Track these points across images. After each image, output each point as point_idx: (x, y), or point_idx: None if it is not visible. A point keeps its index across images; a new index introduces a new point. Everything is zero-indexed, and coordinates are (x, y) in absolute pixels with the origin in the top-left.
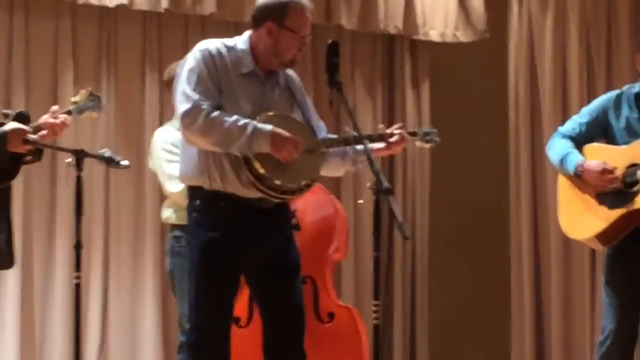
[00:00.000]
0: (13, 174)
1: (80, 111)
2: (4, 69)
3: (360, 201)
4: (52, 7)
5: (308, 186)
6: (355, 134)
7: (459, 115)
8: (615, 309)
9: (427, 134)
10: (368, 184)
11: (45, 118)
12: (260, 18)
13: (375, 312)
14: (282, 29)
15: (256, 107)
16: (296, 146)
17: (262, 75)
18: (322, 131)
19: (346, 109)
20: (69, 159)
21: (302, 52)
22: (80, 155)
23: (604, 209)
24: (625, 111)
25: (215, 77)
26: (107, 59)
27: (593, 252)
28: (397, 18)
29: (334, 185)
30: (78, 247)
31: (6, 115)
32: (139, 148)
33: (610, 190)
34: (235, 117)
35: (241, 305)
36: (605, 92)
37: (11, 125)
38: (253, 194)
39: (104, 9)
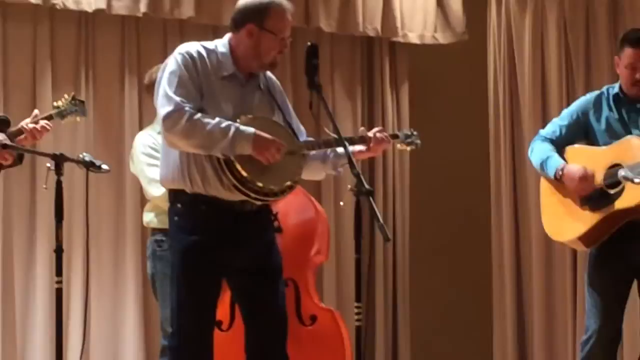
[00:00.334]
0: None
1: (63, 116)
2: None
3: (342, 203)
4: (30, 11)
5: (290, 188)
6: (335, 136)
7: (439, 117)
8: (598, 310)
9: (408, 136)
10: (349, 186)
11: (26, 122)
12: (241, 20)
13: (357, 314)
14: (263, 31)
15: (237, 110)
16: (278, 148)
17: (242, 78)
18: (302, 134)
19: (326, 111)
20: (49, 164)
21: (283, 54)
22: (60, 160)
23: (586, 211)
24: (605, 112)
25: (197, 80)
26: (86, 64)
27: (575, 253)
28: (375, 20)
29: (315, 188)
30: (59, 251)
31: None
32: (118, 152)
33: (591, 192)
34: (217, 119)
35: (223, 309)
36: (584, 92)
37: None
38: (235, 196)
39: (82, 14)
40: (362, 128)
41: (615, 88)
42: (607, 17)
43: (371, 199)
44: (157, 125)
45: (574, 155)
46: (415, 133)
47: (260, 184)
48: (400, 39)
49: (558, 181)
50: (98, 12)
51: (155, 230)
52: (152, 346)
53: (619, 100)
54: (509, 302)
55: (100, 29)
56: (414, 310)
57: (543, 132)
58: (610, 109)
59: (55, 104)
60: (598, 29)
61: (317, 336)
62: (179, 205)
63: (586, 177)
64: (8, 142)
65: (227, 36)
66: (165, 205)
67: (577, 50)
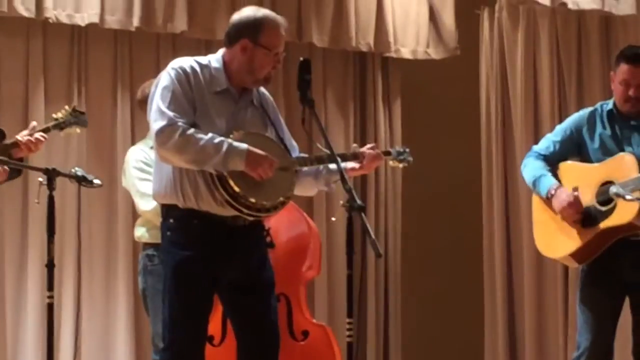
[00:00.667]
0: None
1: (61, 127)
2: None
3: (334, 219)
4: (23, 25)
5: (282, 204)
6: (327, 151)
7: (431, 133)
8: (590, 326)
9: (400, 153)
10: (341, 202)
11: (23, 134)
12: (235, 35)
13: (348, 329)
14: (257, 47)
15: (230, 125)
16: (271, 164)
17: (235, 93)
18: (295, 150)
19: (318, 126)
20: (41, 178)
21: (276, 69)
22: (52, 174)
23: (578, 228)
24: (599, 129)
25: (190, 95)
26: (79, 78)
27: (566, 269)
28: (368, 35)
29: (307, 203)
30: (50, 266)
31: None
32: (111, 167)
33: (583, 209)
34: (210, 135)
35: (215, 324)
36: (576, 108)
37: None
38: (227, 212)
39: (75, 28)
40: (354, 145)
41: (609, 104)
42: (599, 33)
43: (363, 214)
44: (149, 140)
45: (567, 172)
46: (407, 150)
47: (252, 200)
48: (393, 54)
49: (549, 200)
50: (91, 26)
51: (146, 245)
52: None
53: (613, 116)
54: (501, 316)
55: (93, 43)
56: (405, 326)
57: (536, 147)
58: (603, 126)
59: (54, 115)
60: (590, 44)
61: (308, 352)
62: (171, 220)
63: (574, 205)
64: (1, 157)
65: (221, 51)
66: (156, 219)
67: (569, 65)
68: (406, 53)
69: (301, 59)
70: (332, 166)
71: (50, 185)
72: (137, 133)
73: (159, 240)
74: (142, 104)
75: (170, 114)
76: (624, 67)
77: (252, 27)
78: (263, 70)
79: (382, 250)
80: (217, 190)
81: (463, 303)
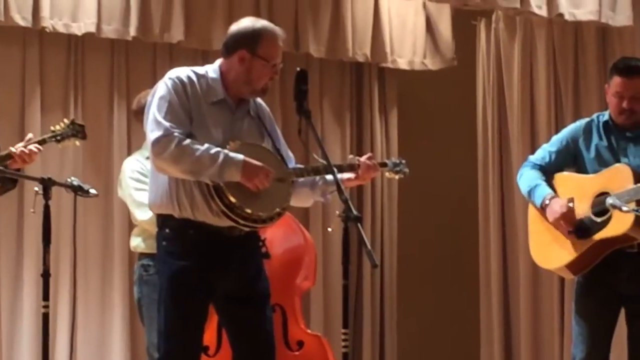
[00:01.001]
0: None
1: (58, 140)
2: None
3: (330, 229)
4: (19, 34)
5: (279, 215)
6: (324, 162)
7: (428, 143)
8: (585, 338)
9: (396, 164)
10: (337, 212)
11: (18, 146)
12: (233, 46)
13: (344, 340)
14: (255, 57)
15: (226, 136)
16: (267, 175)
17: (232, 104)
18: (291, 161)
19: (315, 136)
20: (37, 188)
21: (273, 80)
22: (47, 184)
23: (573, 239)
24: (595, 139)
25: (187, 105)
26: (75, 87)
27: (562, 280)
28: (365, 46)
29: (303, 213)
30: (46, 276)
31: None
32: (107, 176)
33: (577, 220)
34: (206, 145)
35: (210, 334)
36: (573, 119)
37: None
38: (223, 222)
39: (71, 37)
40: (351, 156)
41: (605, 115)
42: (596, 44)
43: (359, 225)
44: (145, 151)
45: (563, 183)
46: (403, 162)
47: (249, 211)
48: (390, 65)
49: (543, 210)
50: (87, 35)
51: (142, 255)
52: None
53: (609, 128)
54: (497, 327)
55: (90, 52)
56: (401, 337)
57: (532, 157)
58: (600, 137)
59: (52, 128)
60: (587, 56)
61: None
62: (167, 230)
63: (566, 216)
64: None
65: (218, 61)
66: (153, 229)
67: (565, 76)
68: (403, 64)
69: (298, 69)
70: (329, 177)
71: (46, 194)
72: (133, 142)
73: (154, 250)
74: (138, 114)
75: (167, 124)
76: (617, 80)
77: (251, 38)
78: (260, 81)
79: (378, 261)
80: (213, 200)
81: (459, 313)
